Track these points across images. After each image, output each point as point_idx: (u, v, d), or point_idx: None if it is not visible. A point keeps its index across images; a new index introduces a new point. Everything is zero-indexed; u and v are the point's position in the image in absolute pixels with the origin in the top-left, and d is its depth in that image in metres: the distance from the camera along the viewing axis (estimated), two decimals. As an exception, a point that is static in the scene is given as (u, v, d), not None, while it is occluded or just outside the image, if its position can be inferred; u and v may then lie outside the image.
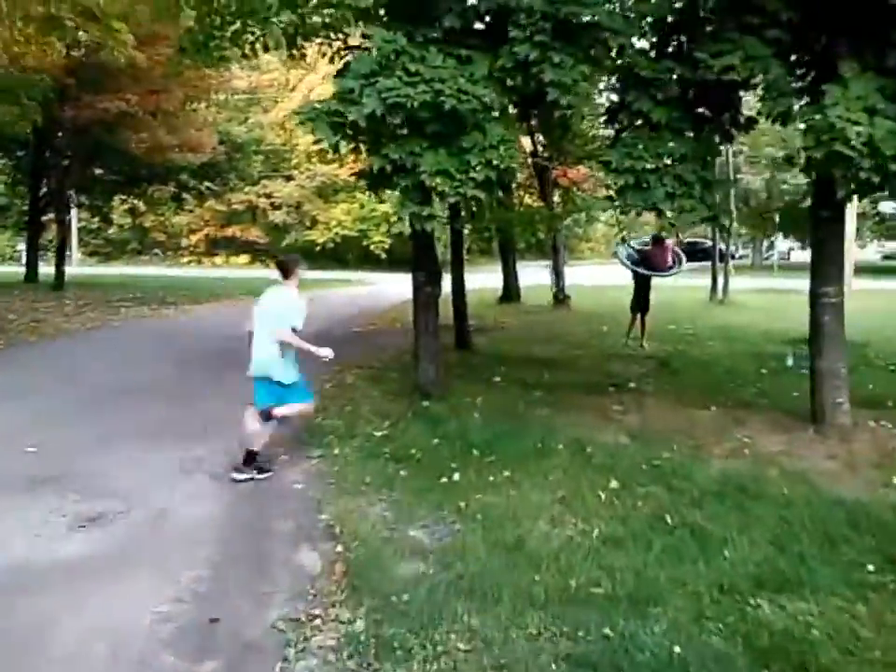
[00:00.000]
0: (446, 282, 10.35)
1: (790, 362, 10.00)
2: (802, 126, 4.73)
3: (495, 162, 4.91)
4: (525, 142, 17.58)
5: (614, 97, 5.95)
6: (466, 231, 13.17)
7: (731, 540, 3.81)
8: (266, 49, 11.48)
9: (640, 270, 11.53)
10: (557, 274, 18.25)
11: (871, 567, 3.47)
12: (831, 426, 6.00)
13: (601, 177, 19.65)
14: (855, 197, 6.38)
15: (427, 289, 7.23)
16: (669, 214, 5.41)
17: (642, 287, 11.71)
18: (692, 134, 5.62)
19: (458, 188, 4.88)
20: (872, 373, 8.58)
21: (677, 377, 9.07)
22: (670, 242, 11.78)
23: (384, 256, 35.68)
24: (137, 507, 4.53)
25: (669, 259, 11.59)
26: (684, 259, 11.69)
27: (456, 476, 4.92)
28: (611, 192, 5.82)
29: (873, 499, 4.45)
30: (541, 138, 17.57)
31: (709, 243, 28.71)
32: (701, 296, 19.46)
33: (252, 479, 4.96)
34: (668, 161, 5.47)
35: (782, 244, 41.09)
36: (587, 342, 12.28)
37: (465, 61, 5.00)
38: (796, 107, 5.19)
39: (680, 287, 19.11)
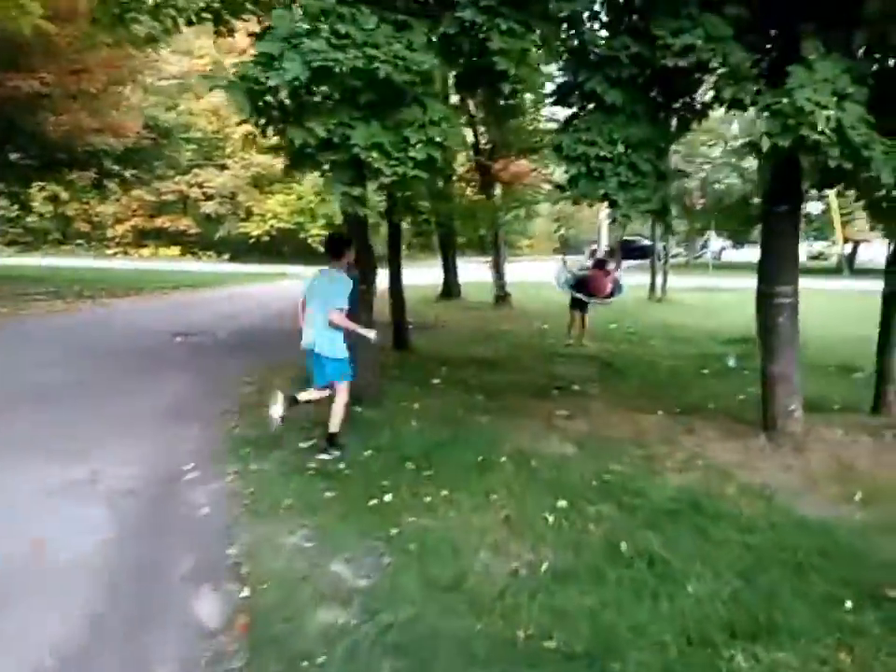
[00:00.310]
0: (383, 278, 9.85)
1: (731, 363, 9.88)
2: (765, 112, 4.36)
3: (437, 139, 4.37)
4: (467, 134, 17.16)
5: (562, 80, 5.49)
6: (405, 225, 12.63)
7: (693, 573, 3.40)
8: (190, 23, 10.69)
9: (579, 295, 11.09)
10: (498, 271, 17.89)
11: (848, 604, 3.11)
12: (783, 433, 5.71)
13: (544, 172, 19.43)
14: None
15: (360, 286, 6.64)
16: (622, 203, 5.01)
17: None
18: (647, 120, 5.22)
19: (396, 166, 4.32)
20: (812, 375, 8.42)
21: (621, 378, 8.76)
22: (612, 266, 11.39)
23: (322, 249, 34.63)
24: (6, 542, 3.82)
25: (609, 286, 11.15)
26: (624, 287, 11.37)
27: (389, 496, 4.39)
28: (559, 183, 5.38)
29: (838, 520, 4.12)
30: (483, 129, 17.16)
31: (645, 241, 29.13)
32: (640, 294, 19.43)
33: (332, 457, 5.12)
34: (622, 149, 5.06)
35: (715, 243, 41.87)
36: (529, 341, 11.95)
37: (402, 27, 4.45)
38: (753, 90, 4.83)
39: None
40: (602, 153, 4.97)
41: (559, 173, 6.25)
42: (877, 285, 6.92)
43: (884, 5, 4.32)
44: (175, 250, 40.50)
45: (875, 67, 4.38)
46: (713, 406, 7.12)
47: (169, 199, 39.07)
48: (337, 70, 4.07)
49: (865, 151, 4.04)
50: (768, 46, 5.25)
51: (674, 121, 5.70)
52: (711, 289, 22.71)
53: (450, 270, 19.04)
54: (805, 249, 48.82)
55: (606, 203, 5.40)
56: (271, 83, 4.12)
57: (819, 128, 3.98)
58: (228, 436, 5.63)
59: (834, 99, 4.12)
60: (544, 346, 11.26)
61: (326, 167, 4.67)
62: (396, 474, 4.79)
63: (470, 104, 16.69)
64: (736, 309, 16.78)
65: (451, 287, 18.91)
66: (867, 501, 4.45)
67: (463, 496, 4.46)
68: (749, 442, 5.66)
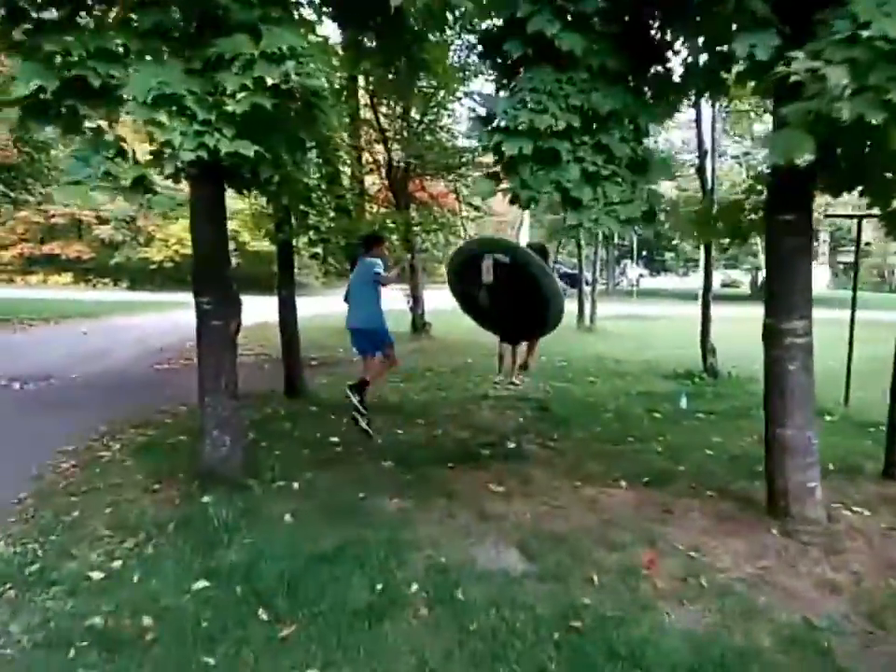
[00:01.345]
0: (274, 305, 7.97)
1: (683, 404, 8.48)
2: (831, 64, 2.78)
3: (271, 81, 2.59)
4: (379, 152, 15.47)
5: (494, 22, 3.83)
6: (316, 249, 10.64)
7: None
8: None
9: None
10: (415, 299, 16.12)
11: None
12: (802, 521, 4.13)
13: (464, 194, 17.87)
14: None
15: (214, 322, 4.74)
16: (588, 204, 3.35)
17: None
18: (620, 82, 3.61)
19: (202, 134, 2.51)
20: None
21: (563, 429, 7.10)
22: None
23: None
24: None
25: None
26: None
27: (207, 699, 2.50)
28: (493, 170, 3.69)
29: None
30: (397, 147, 15.51)
31: (565, 268, 28.10)
32: (567, 321, 18.13)
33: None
34: (579, 123, 3.41)
35: (632, 270, 41.57)
36: (452, 379, 10.20)
37: None
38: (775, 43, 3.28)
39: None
40: (557, 126, 3.32)
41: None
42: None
43: None
44: (67, 277, 37.10)
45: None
46: (683, 469, 5.59)
47: (59, 222, 35.90)
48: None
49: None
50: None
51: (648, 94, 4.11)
52: (638, 317, 21.74)
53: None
54: (720, 277, 49.46)
55: (562, 206, 3.70)
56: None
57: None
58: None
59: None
60: (470, 385, 9.57)
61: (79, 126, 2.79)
62: (235, 633, 2.91)
63: (381, 118, 15.08)
64: (670, 338, 15.63)
65: (365, 317, 17.01)
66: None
67: (343, 681, 2.62)
68: (759, 538, 4.04)
